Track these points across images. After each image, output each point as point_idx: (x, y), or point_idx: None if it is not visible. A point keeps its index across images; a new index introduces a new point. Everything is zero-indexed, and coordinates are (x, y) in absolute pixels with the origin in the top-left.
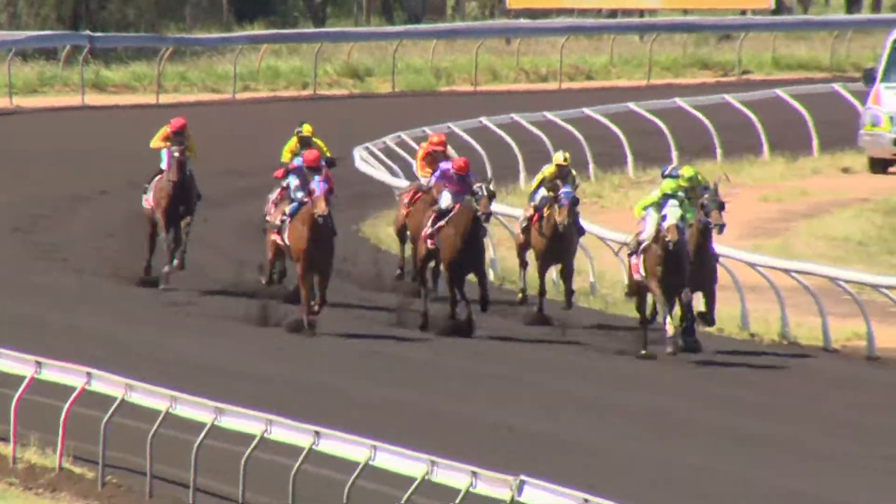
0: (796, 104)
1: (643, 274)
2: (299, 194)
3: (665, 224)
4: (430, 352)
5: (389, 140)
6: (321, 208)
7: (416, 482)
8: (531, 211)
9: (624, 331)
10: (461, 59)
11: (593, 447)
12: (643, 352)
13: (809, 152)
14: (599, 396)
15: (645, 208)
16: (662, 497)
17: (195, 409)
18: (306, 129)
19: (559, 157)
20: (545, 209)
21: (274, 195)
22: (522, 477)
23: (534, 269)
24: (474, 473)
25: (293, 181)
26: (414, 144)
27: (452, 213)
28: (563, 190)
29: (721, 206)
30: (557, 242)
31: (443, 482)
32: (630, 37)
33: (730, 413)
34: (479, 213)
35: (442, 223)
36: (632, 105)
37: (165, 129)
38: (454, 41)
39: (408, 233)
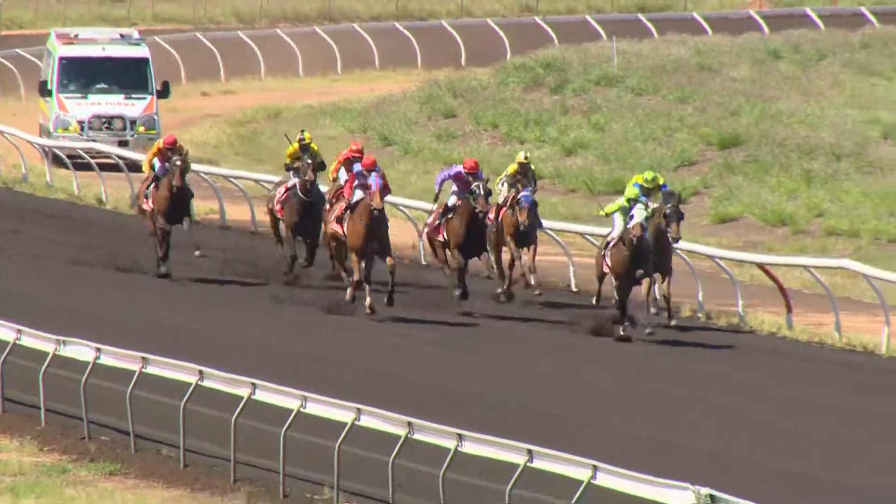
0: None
1: (609, 266)
2: (357, 192)
3: (631, 223)
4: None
5: None
6: (376, 202)
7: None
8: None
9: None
10: None
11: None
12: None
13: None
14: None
15: (613, 212)
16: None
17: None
18: (307, 137)
19: (521, 155)
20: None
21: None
22: None
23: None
24: None
25: (357, 185)
26: None
27: (457, 209)
28: (523, 193)
29: (680, 218)
30: (522, 237)
31: None
32: None
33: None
34: (477, 210)
35: (449, 216)
36: None
37: (157, 145)
38: None
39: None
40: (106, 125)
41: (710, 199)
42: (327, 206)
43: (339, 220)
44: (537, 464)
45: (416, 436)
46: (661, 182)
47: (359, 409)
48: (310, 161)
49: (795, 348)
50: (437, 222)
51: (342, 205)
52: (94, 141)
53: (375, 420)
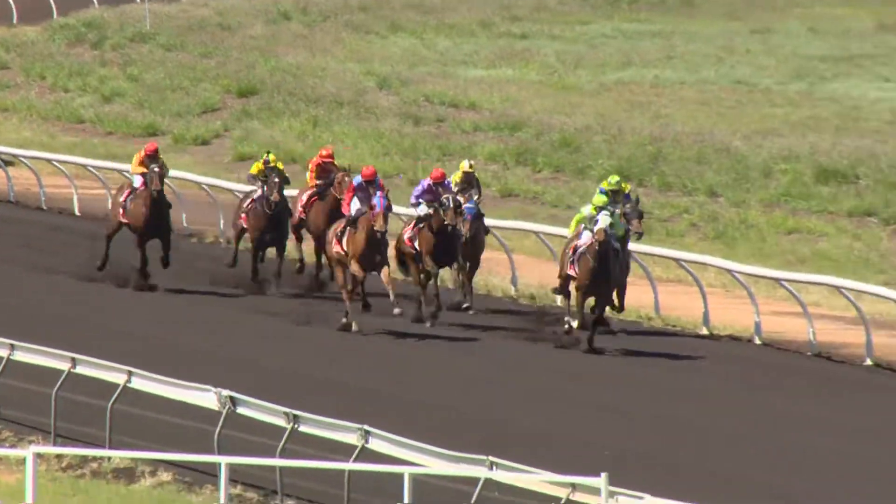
0: None
1: (575, 273)
2: (359, 207)
3: (596, 228)
4: None
5: None
6: (380, 224)
7: None
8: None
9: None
10: None
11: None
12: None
13: None
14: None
15: (580, 222)
16: None
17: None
18: (272, 158)
19: (465, 164)
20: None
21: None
22: None
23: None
24: None
25: (356, 198)
26: None
27: (429, 221)
28: (467, 206)
29: (641, 216)
30: (468, 247)
31: None
32: None
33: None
34: (445, 223)
35: (421, 226)
36: None
37: (139, 154)
38: None
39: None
40: None
41: (231, 141)
42: (298, 213)
43: (339, 239)
44: (80, 370)
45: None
46: (626, 188)
47: (12, 346)
48: (277, 180)
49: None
50: (409, 235)
51: (341, 223)
52: None
53: (37, 357)
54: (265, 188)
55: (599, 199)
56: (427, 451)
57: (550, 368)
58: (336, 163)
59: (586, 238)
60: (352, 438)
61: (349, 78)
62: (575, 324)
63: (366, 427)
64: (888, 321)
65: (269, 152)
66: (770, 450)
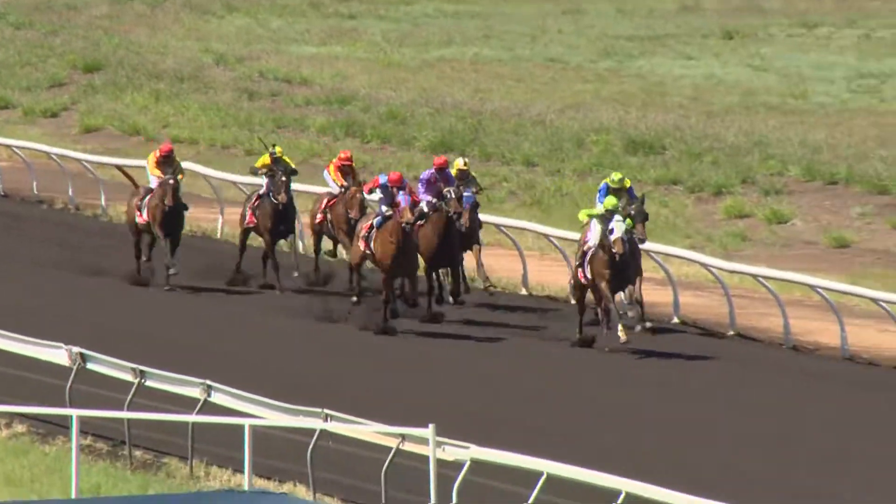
0: None
1: (589, 277)
2: (384, 208)
3: (612, 238)
4: None
5: None
6: (407, 217)
7: None
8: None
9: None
10: None
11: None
12: (578, 336)
13: None
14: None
15: (590, 217)
16: None
17: None
18: (279, 151)
19: (459, 162)
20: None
21: (363, 225)
22: None
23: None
24: None
25: (379, 198)
26: None
27: (430, 217)
28: (465, 194)
29: (645, 219)
30: (465, 238)
31: None
32: None
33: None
34: (450, 214)
35: (421, 223)
36: None
37: (155, 154)
38: None
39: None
40: None
41: (77, 114)
42: (318, 217)
43: (366, 240)
44: None
45: None
46: (627, 184)
47: None
48: (283, 179)
49: None
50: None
51: (368, 223)
52: None
53: None
54: (272, 186)
55: (610, 201)
56: (266, 404)
57: (402, 334)
58: (354, 165)
59: (594, 240)
60: (195, 392)
61: (189, 55)
62: (622, 333)
63: (208, 382)
64: (693, 282)
65: (274, 145)
66: (579, 403)
